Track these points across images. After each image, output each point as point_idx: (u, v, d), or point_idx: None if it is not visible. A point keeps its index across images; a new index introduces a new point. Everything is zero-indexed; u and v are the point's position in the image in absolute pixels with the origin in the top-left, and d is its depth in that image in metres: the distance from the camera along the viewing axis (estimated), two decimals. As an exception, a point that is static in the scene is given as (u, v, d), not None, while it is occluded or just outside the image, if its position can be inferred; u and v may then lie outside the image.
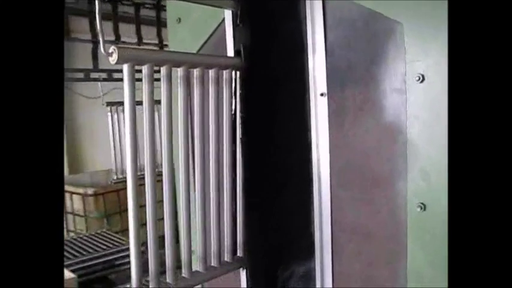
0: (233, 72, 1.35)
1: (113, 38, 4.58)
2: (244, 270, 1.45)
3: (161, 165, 1.20)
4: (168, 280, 1.21)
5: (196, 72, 1.25)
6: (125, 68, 1.08)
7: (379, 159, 1.26)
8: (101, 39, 1.04)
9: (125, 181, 1.16)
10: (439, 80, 1.12)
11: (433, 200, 1.15)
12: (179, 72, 1.21)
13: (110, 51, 1.04)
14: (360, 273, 1.32)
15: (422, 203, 1.17)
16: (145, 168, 1.15)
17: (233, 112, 1.36)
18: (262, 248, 1.41)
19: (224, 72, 1.32)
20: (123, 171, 4.85)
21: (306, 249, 1.40)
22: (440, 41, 1.10)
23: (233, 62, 1.35)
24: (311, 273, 1.41)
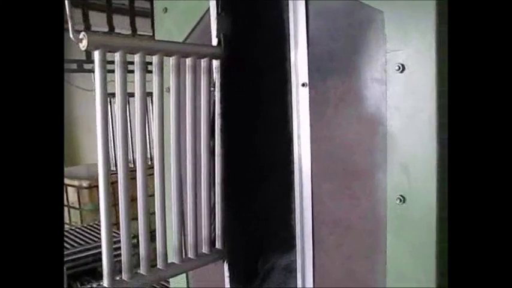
0: (213, 62, 1.33)
1: (106, 29, 4.54)
2: (226, 262, 1.44)
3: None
4: (141, 271, 1.20)
5: (172, 60, 1.23)
6: (96, 54, 1.06)
7: (360, 151, 1.24)
8: (70, 26, 1.02)
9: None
10: (419, 70, 1.10)
11: (412, 192, 1.14)
12: (154, 60, 1.18)
13: (80, 37, 1.02)
14: (341, 265, 1.31)
15: (401, 196, 1.15)
16: (118, 162, 1.13)
17: (211, 102, 1.34)
18: (242, 240, 1.39)
19: (202, 61, 1.30)
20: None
21: (287, 241, 1.39)
22: (421, 30, 1.08)
23: (211, 51, 1.33)
24: (292, 266, 1.40)
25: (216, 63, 1.34)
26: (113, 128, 3.87)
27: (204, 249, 1.38)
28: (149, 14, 4.83)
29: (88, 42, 1.03)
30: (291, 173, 1.37)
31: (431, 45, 1.06)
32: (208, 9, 1.48)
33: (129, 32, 4.72)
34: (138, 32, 4.78)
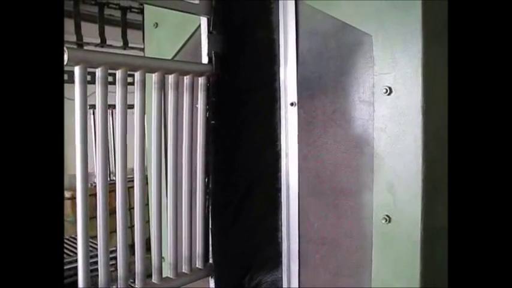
0: (200, 79, 1.33)
1: (98, 41, 4.56)
2: (212, 279, 1.43)
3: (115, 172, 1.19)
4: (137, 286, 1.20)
5: (154, 76, 1.23)
6: (76, 70, 1.05)
7: (347, 170, 1.26)
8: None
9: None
10: (406, 93, 1.12)
11: (397, 212, 1.16)
12: (136, 76, 1.18)
13: None
14: (326, 282, 1.32)
15: (387, 215, 1.17)
16: (97, 175, 1.13)
17: (195, 119, 1.34)
18: (228, 257, 1.39)
19: (185, 78, 1.30)
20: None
21: (273, 258, 1.39)
22: (408, 54, 1.11)
23: (195, 68, 1.33)
24: (278, 282, 1.41)
25: (201, 80, 1.35)
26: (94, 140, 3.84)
27: (198, 264, 1.38)
28: (140, 26, 4.85)
29: (68, 58, 1.01)
30: (278, 190, 1.38)
31: (418, 70, 1.09)
32: (199, 26, 1.50)
33: (121, 44, 4.74)
34: (131, 45, 4.79)
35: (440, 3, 1.11)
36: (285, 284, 1.40)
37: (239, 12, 1.35)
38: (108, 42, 4.72)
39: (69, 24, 4.35)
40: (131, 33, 4.92)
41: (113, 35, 4.81)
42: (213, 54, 1.33)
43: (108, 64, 1.11)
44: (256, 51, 1.37)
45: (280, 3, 1.33)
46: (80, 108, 1.07)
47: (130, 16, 4.93)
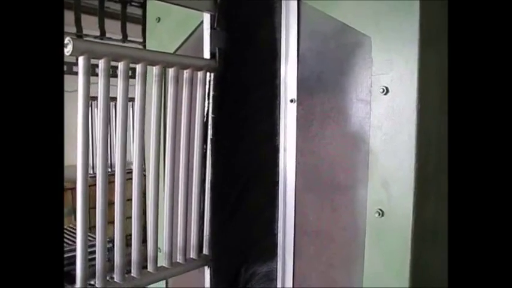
0: (199, 73, 1.37)
1: (98, 33, 4.56)
2: (209, 269, 1.47)
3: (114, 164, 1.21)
4: (115, 279, 1.21)
5: (155, 69, 1.25)
6: (80, 60, 1.07)
7: (342, 166, 1.30)
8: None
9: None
10: (402, 93, 1.17)
11: (390, 207, 1.20)
12: (137, 69, 1.20)
13: (65, 42, 1.02)
14: (320, 273, 1.36)
15: (380, 209, 1.21)
16: (97, 167, 1.14)
17: (193, 112, 1.37)
18: (226, 247, 1.44)
19: (185, 71, 1.33)
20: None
21: (269, 250, 1.44)
22: (405, 55, 1.15)
23: (195, 62, 1.36)
24: (272, 273, 1.45)
25: (200, 74, 1.38)
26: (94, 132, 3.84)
27: (192, 254, 1.42)
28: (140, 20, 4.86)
29: (73, 48, 1.03)
30: (275, 184, 1.42)
31: (414, 71, 1.14)
32: (202, 22, 1.53)
33: (120, 37, 4.74)
34: (130, 38, 4.79)
35: (437, 7, 1.16)
36: (279, 274, 1.44)
37: (243, 10, 1.39)
38: (106, 35, 4.72)
39: (69, 16, 4.35)
40: (129, 27, 4.91)
41: (111, 28, 4.81)
42: (216, 50, 1.36)
43: (111, 55, 1.13)
44: (258, 49, 1.41)
45: (283, 3, 1.37)
46: (83, 99, 1.09)
47: (128, 10, 4.93)
